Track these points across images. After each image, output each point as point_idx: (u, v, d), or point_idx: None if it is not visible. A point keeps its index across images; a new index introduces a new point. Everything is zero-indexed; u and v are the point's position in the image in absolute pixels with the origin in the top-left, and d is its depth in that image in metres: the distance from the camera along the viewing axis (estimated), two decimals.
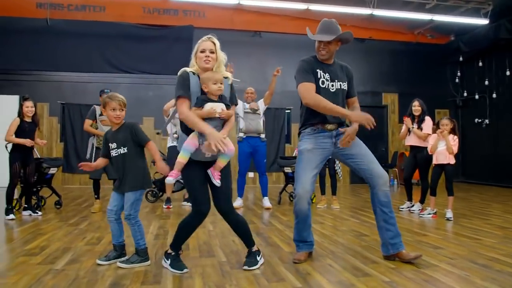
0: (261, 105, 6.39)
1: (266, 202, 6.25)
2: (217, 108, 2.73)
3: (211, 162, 2.81)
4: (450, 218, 5.15)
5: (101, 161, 3.22)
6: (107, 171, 5.62)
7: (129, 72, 9.87)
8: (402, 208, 6.03)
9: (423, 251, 3.49)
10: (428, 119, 5.79)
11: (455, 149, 5.22)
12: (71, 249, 3.47)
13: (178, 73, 2.81)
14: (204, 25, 10.07)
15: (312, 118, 3.23)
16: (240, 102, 6.28)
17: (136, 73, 9.87)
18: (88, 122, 5.79)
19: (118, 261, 3.05)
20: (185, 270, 2.86)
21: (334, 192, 6.42)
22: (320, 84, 3.18)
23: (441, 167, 5.30)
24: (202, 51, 2.79)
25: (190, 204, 5.95)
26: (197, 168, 2.79)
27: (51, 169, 5.74)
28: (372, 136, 11.18)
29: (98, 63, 9.67)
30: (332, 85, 3.21)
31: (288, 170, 6.71)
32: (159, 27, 9.98)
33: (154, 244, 3.71)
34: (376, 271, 2.90)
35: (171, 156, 5.99)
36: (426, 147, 5.57)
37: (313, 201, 6.82)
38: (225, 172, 2.86)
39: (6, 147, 5.30)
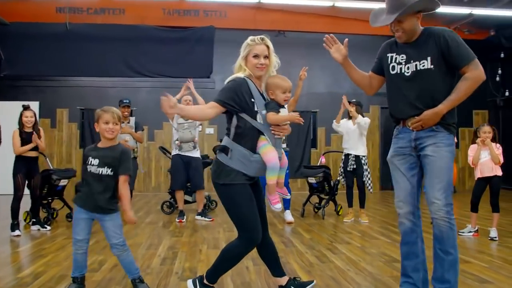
0: (284, 113, 5.93)
1: (288, 215, 5.80)
2: (282, 112, 2.54)
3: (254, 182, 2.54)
4: (495, 238, 4.56)
5: None
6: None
7: (150, 76, 9.65)
8: None
9: (467, 285, 2.97)
10: None
11: (501, 158, 4.62)
12: (66, 278, 3.14)
13: (232, 78, 2.52)
14: (226, 26, 9.73)
15: (392, 113, 2.69)
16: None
17: (156, 76, 9.63)
18: None
19: None
20: None
21: (362, 205, 5.89)
22: (390, 71, 2.65)
23: (486, 180, 4.71)
24: (255, 56, 2.49)
25: (205, 219, 5.71)
26: (248, 187, 2.47)
27: (62, 180, 5.49)
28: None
29: (118, 67, 9.49)
30: (408, 68, 2.57)
31: (312, 180, 6.23)
32: (180, 29, 9.70)
33: (159, 272, 3.34)
34: None
35: (173, 163, 5.86)
36: None
37: (340, 213, 6.34)
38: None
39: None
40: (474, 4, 8.23)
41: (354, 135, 5.83)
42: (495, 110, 10.83)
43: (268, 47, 2.52)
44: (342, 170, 5.98)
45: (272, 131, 2.45)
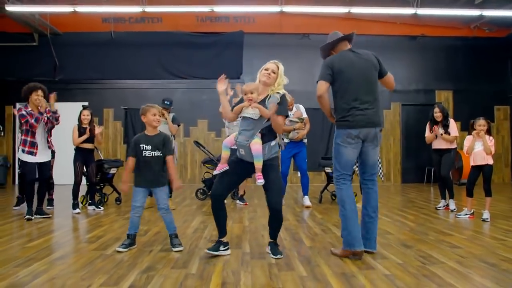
0: (303, 110, 6.68)
1: (306, 200, 6.55)
2: (249, 109, 3.26)
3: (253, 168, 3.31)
4: (487, 219, 5.12)
5: (132, 161, 3.68)
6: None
7: (184, 78, 10.60)
8: (439, 208, 6.11)
9: (439, 249, 3.64)
10: (452, 121, 6.05)
11: (493, 149, 5.18)
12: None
13: None
14: (254, 30, 10.54)
15: None
16: None
17: (190, 78, 10.57)
18: None
19: (174, 249, 3.62)
20: (213, 252, 3.38)
21: None
22: None
23: (479, 168, 5.28)
24: (266, 69, 3.34)
25: (240, 203, 6.54)
26: (237, 164, 3.35)
27: (112, 169, 6.50)
28: (424, 135, 11.03)
29: (156, 70, 10.51)
30: None
31: (328, 170, 6.94)
32: (212, 34, 10.60)
33: (191, 237, 4.20)
34: (381, 265, 3.14)
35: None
36: (453, 148, 6.00)
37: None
38: (274, 175, 3.32)
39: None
40: (487, 6, 8.61)
41: None
42: None
43: (278, 67, 3.36)
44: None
45: None
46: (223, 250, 3.44)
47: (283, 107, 3.29)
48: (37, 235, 4.26)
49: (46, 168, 5.32)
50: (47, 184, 5.52)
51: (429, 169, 10.58)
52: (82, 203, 6.42)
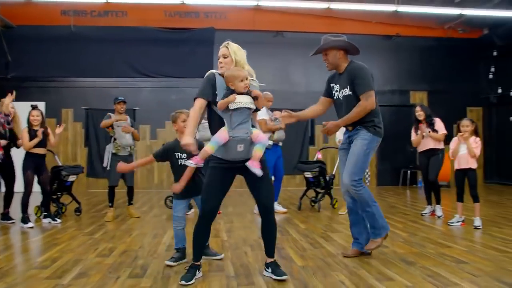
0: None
1: (279, 207, 6.15)
2: (244, 99, 2.77)
3: (241, 168, 2.80)
4: (479, 226, 4.85)
5: (151, 161, 3.50)
6: (126, 178, 5.67)
7: (151, 76, 9.90)
8: (425, 214, 5.84)
9: (445, 266, 3.27)
10: (438, 120, 5.73)
11: (477, 151, 4.91)
12: (81, 262, 3.45)
13: (205, 75, 2.95)
14: (226, 27, 10.00)
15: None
16: (264, 109, 6.04)
17: (158, 77, 9.89)
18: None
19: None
20: (190, 282, 2.85)
21: None
22: (334, 96, 3.56)
23: (463, 172, 5.01)
24: (218, 58, 2.95)
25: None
26: (224, 172, 2.86)
27: (70, 176, 5.80)
28: (400, 137, 10.86)
29: (120, 68, 9.74)
30: (340, 94, 3.48)
31: (308, 175, 6.52)
32: (181, 30, 9.96)
33: (165, 256, 3.63)
34: None
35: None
36: (441, 149, 5.65)
37: (335, 206, 6.63)
38: (265, 172, 2.85)
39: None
40: (465, 5, 8.49)
41: None
42: (488, 107, 11.10)
43: (227, 48, 2.92)
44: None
45: None
46: (198, 275, 2.97)
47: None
48: None
49: None
50: None
51: (405, 172, 10.41)
52: (36, 215, 5.71)
